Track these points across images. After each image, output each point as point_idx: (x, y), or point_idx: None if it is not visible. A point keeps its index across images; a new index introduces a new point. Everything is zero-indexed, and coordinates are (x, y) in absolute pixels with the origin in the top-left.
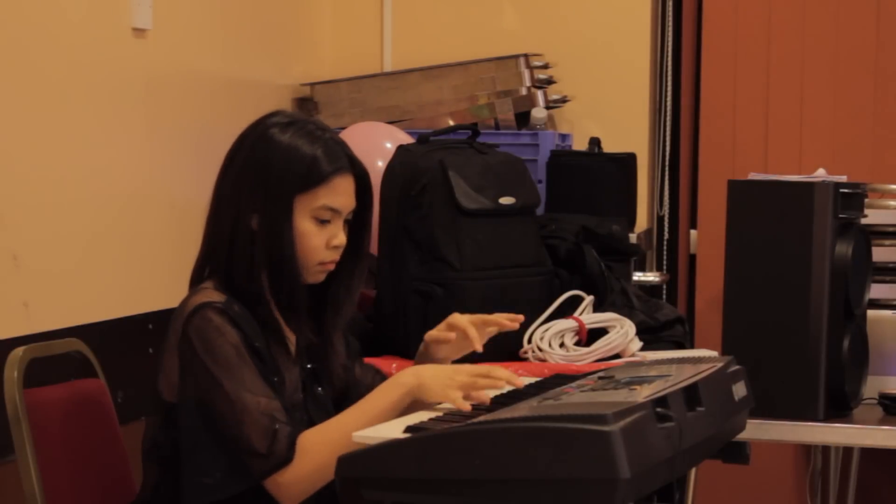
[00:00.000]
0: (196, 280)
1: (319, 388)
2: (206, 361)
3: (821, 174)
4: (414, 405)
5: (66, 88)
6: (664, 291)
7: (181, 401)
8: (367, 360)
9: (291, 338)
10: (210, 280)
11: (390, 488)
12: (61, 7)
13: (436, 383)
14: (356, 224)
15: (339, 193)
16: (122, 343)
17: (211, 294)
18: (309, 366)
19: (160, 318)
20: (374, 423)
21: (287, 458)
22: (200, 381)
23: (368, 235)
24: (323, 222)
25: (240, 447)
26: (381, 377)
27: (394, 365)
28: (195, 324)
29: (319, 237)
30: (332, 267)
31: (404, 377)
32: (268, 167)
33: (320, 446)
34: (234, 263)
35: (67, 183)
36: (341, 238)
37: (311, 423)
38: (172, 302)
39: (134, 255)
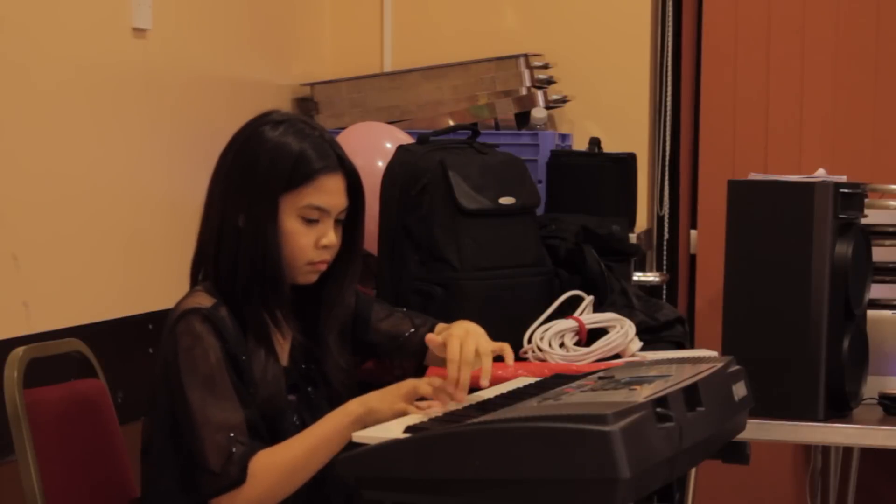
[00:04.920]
0: (194, 280)
1: (312, 389)
2: (180, 370)
3: (821, 174)
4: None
5: (66, 88)
6: (664, 291)
7: (156, 404)
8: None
9: (282, 339)
10: (205, 281)
11: (390, 488)
12: (61, 7)
13: (382, 404)
14: (349, 224)
15: (327, 192)
16: (122, 343)
17: (200, 298)
18: (304, 367)
19: (160, 318)
20: (320, 448)
21: (238, 479)
22: (172, 388)
23: (361, 236)
24: (311, 222)
25: (195, 461)
26: (430, 325)
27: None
28: (178, 330)
29: (307, 237)
30: (323, 267)
31: (351, 406)
32: (254, 164)
33: (268, 471)
34: (221, 263)
35: (67, 183)
36: (331, 238)
37: (304, 425)
38: (172, 302)
39: (134, 255)
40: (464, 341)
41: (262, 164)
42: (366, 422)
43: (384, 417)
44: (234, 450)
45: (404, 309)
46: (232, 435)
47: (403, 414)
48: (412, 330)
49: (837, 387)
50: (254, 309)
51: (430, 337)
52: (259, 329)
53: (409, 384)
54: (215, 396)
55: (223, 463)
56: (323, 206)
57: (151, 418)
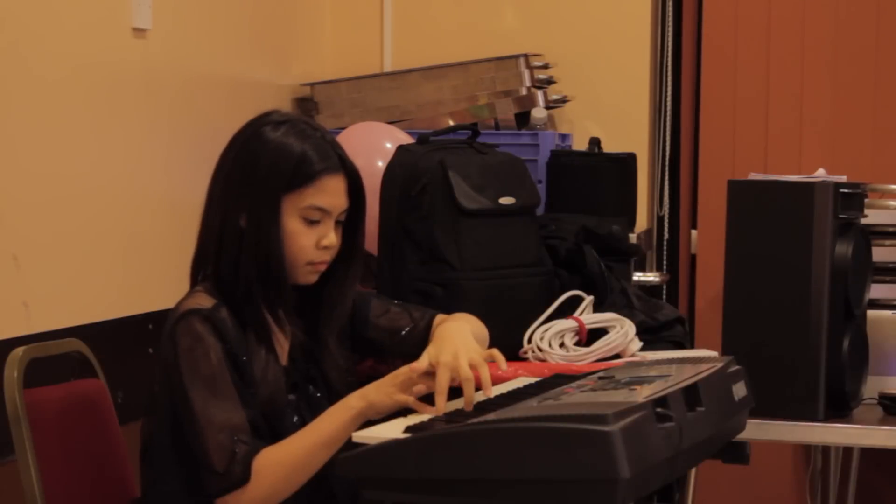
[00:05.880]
0: (194, 280)
1: (312, 389)
2: (182, 371)
3: (821, 174)
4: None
5: (66, 88)
6: (664, 291)
7: (157, 405)
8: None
9: (283, 338)
10: (205, 282)
11: (390, 488)
12: (61, 7)
13: (381, 396)
14: (349, 225)
15: (328, 193)
16: (122, 343)
17: (201, 298)
18: (304, 366)
19: (160, 318)
20: (324, 445)
21: (242, 479)
22: (174, 389)
23: (362, 236)
24: (312, 222)
25: (199, 461)
26: (429, 319)
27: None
28: (179, 331)
29: (308, 237)
30: (323, 268)
31: (352, 400)
32: (256, 165)
33: (271, 469)
34: (222, 263)
35: (67, 183)
36: (331, 238)
37: (304, 424)
38: (172, 302)
39: (134, 255)
40: (454, 367)
41: (264, 164)
42: (367, 415)
43: (385, 409)
44: (237, 450)
45: (399, 302)
46: (235, 435)
47: (403, 405)
48: (411, 325)
49: (837, 387)
50: (255, 309)
51: (415, 367)
52: (260, 329)
53: (404, 372)
54: (217, 397)
55: (227, 463)
56: (324, 207)
57: (151, 419)
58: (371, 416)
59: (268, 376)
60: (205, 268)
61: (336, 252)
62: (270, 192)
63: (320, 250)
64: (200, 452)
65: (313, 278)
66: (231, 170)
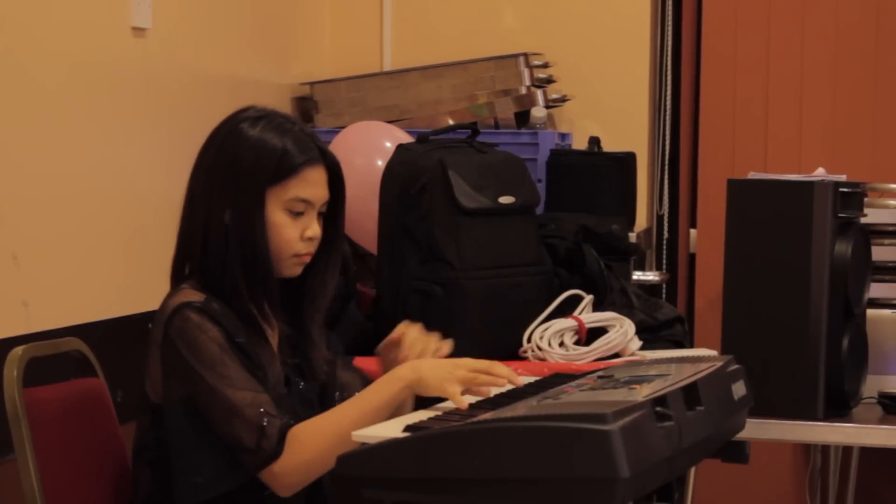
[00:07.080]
0: (176, 279)
1: (302, 383)
2: (189, 361)
3: (820, 174)
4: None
5: (66, 88)
6: (664, 291)
7: (167, 402)
8: (367, 359)
9: (271, 332)
10: (189, 280)
11: (390, 488)
12: (61, 6)
13: (434, 377)
14: (329, 215)
15: (311, 184)
16: (122, 343)
17: (189, 294)
18: (291, 360)
19: None
20: (371, 416)
21: (276, 451)
22: (186, 380)
23: (342, 227)
24: (296, 214)
25: (230, 444)
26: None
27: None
28: (176, 325)
29: (293, 229)
30: (307, 259)
31: (402, 371)
32: (238, 161)
33: (315, 438)
34: (208, 259)
35: (67, 182)
36: (315, 229)
37: (297, 418)
38: None
39: (134, 254)
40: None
41: (247, 160)
42: (414, 389)
43: (432, 391)
44: (264, 423)
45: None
46: (259, 410)
47: (448, 396)
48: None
49: (837, 386)
50: (243, 303)
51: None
52: (252, 323)
53: (466, 369)
54: (231, 377)
55: (257, 438)
56: (308, 199)
57: (156, 419)
58: (418, 391)
59: (273, 366)
60: (190, 265)
61: (318, 243)
62: (255, 186)
63: (305, 242)
64: (230, 435)
65: (298, 270)
66: (212, 167)
